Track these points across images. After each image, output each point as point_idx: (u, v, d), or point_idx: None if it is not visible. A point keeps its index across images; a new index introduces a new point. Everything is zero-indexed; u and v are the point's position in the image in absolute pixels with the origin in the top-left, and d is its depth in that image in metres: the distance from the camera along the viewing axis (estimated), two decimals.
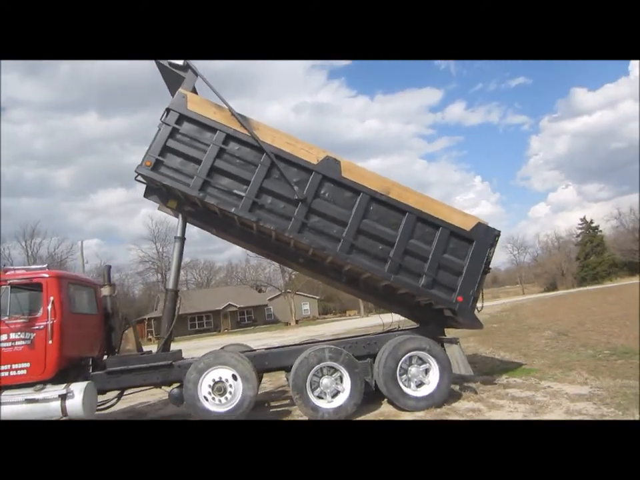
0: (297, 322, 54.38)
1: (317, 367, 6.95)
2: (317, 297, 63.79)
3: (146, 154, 7.14)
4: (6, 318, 6.75)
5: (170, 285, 7.95)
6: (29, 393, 6.60)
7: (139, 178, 7.32)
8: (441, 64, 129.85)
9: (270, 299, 63.66)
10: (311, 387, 6.92)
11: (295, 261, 8.04)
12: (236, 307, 60.37)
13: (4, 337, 6.71)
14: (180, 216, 7.92)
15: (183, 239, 8.03)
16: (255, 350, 8.58)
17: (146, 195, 7.76)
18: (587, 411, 5.96)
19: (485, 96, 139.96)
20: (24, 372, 6.70)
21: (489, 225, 7.56)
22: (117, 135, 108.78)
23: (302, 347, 7.82)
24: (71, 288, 7.44)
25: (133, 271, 54.44)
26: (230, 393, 6.90)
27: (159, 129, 7.21)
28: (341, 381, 6.99)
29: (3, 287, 6.84)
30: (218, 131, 7.18)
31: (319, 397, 6.95)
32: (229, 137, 7.20)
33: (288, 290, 55.21)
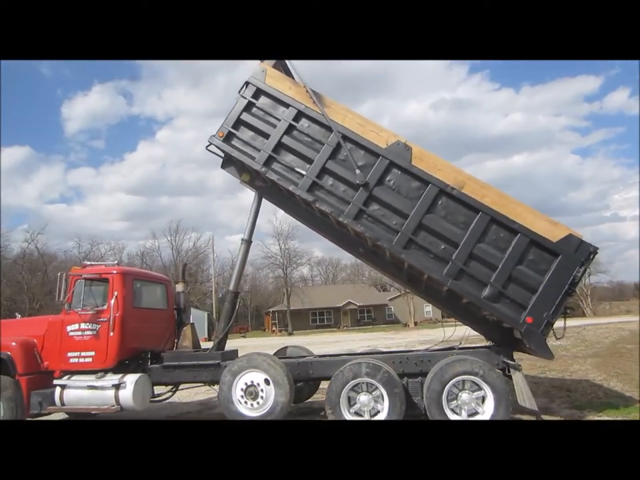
0: (415, 324, 52.78)
1: (353, 382, 6.46)
2: None
3: (221, 125, 7.31)
4: (79, 309, 7.45)
5: (230, 287, 8.02)
6: (91, 380, 7.19)
7: (211, 148, 7.50)
8: None
9: (390, 299, 63.00)
10: (348, 402, 6.47)
11: (355, 250, 7.58)
12: (356, 305, 61.15)
13: (75, 326, 7.41)
14: (254, 199, 7.97)
15: (249, 242, 8.07)
16: (305, 357, 8.14)
17: (223, 166, 7.92)
18: None
19: None
20: (90, 360, 7.32)
21: (584, 238, 6.31)
22: None
23: (349, 358, 7.29)
24: (136, 284, 7.95)
25: (262, 266, 58.42)
26: (262, 397, 6.79)
27: (236, 102, 7.32)
28: (383, 400, 6.40)
29: (78, 280, 7.57)
30: (290, 107, 7.08)
31: (357, 414, 6.44)
32: (300, 114, 7.06)
33: (407, 290, 53.72)
